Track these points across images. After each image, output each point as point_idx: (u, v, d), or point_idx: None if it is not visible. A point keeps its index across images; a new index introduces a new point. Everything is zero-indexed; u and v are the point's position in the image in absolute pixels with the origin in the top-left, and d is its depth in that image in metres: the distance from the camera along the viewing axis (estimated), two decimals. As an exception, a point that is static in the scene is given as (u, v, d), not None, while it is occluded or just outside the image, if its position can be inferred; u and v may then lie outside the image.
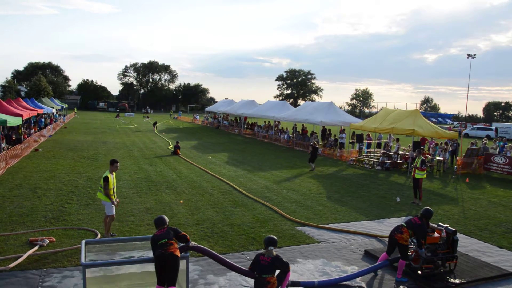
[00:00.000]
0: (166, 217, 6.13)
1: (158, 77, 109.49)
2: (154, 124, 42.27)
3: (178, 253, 5.64)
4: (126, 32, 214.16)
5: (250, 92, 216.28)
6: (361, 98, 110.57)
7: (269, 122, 36.96)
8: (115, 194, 8.54)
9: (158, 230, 5.92)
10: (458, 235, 8.20)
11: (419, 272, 7.31)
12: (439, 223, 8.09)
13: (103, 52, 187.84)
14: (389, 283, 7.16)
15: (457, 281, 7.08)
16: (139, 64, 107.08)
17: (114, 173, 8.55)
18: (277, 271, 5.76)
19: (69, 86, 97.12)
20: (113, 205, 8.44)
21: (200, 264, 7.50)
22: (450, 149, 22.50)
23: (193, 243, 6.22)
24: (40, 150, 21.59)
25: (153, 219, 9.62)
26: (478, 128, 51.68)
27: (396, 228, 7.36)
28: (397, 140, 23.98)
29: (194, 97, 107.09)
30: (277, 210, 11.38)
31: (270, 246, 5.77)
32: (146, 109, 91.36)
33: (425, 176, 13.33)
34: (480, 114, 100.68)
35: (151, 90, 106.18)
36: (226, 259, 6.34)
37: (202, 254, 6.67)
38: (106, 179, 8.23)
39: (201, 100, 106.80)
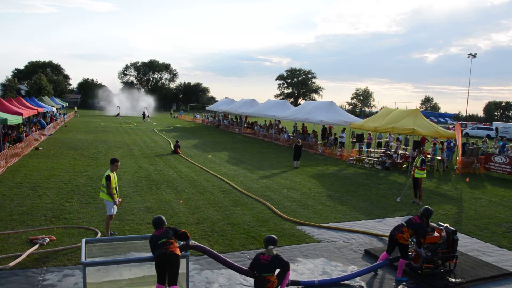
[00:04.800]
0: (163, 217, 6.14)
1: (159, 76, 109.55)
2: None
3: (178, 252, 5.64)
4: (126, 31, 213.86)
5: (250, 91, 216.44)
6: (361, 98, 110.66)
7: (269, 121, 36.97)
8: (117, 193, 8.56)
9: (156, 230, 5.93)
10: (458, 234, 8.21)
11: (419, 271, 7.31)
12: (439, 223, 8.10)
13: (103, 51, 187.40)
14: (389, 282, 7.17)
15: (457, 280, 7.09)
16: (139, 63, 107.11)
17: (115, 172, 8.56)
18: (277, 270, 5.77)
19: (70, 85, 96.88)
20: (115, 205, 8.44)
21: (200, 263, 7.51)
22: (446, 148, 22.52)
23: (193, 242, 6.22)
24: (41, 148, 21.60)
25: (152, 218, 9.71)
26: (479, 128, 51.69)
27: (396, 227, 7.36)
28: (398, 139, 24.01)
29: (194, 96, 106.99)
30: (276, 210, 11.37)
31: (270, 245, 5.78)
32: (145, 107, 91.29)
33: (425, 175, 13.33)
34: (481, 113, 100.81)
35: (151, 89, 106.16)
36: (226, 258, 6.35)
37: (202, 253, 6.68)
38: (108, 178, 8.23)
39: (202, 99, 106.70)
